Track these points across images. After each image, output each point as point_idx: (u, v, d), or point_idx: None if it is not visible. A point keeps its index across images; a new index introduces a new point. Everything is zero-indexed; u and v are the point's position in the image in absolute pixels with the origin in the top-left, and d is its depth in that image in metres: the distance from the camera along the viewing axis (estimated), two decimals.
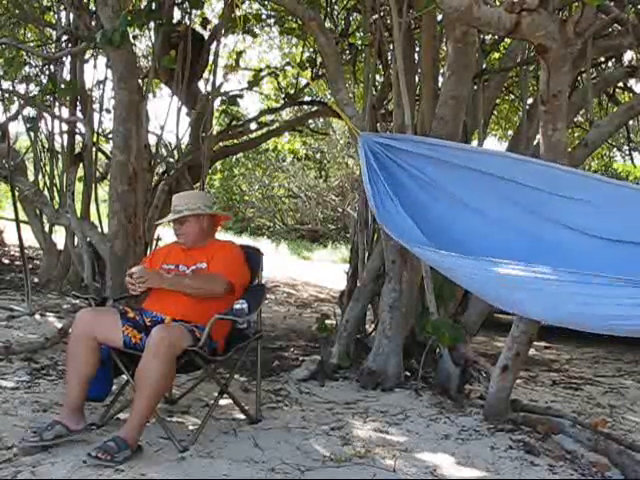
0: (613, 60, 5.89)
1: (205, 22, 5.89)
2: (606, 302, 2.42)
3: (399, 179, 3.43)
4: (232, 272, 3.14)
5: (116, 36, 4.15)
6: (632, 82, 6.40)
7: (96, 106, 6.06)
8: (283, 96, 7.25)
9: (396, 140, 3.58)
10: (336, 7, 6.52)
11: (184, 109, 5.90)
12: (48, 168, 6.50)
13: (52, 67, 5.93)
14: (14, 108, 5.97)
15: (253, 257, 3.39)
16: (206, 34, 6.15)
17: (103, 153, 6.45)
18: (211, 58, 5.96)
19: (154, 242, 5.27)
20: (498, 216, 3.24)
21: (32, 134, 6.31)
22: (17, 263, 7.40)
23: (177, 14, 5.96)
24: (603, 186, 3.02)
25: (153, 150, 5.60)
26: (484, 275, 2.78)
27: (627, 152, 8.57)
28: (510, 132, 8.55)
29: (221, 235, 3.85)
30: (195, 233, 3.24)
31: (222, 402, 3.29)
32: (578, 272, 2.46)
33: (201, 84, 6.25)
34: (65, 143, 6.15)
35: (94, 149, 5.87)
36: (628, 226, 2.92)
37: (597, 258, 2.93)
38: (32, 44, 6.95)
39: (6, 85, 5.84)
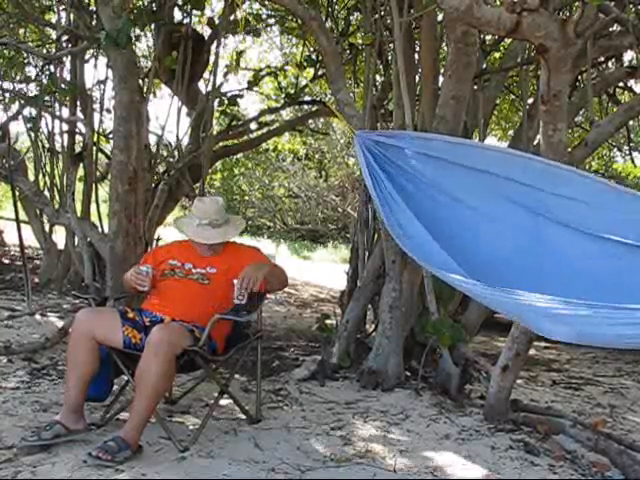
0: (613, 60, 5.89)
1: (210, 22, 5.88)
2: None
3: (398, 180, 3.42)
4: None
5: (122, 37, 4.14)
6: (632, 82, 6.41)
7: (96, 106, 6.06)
8: (283, 96, 7.24)
9: (392, 137, 3.57)
10: (336, 7, 6.52)
11: (184, 109, 5.90)
12: (48, 168, 6.49)
13: (52, 67, 5.92)
14: (14, 108, 5.96)
15: None
16: (206, 34, 6.15)
17: (103, 153, 6.43)
18: (211, 58, 5.96)
19: (154, 242, 5.28)
20: (497, 215, 3.24)
21: (32, 134, 6.29)
22: (17, 263, 7.40)
23: (177, 14, 5.97)
24: (598, 186, 3.01)
25: (153, 150, 5.60)
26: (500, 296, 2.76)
27: (627, 152, 8.58)
28: (510, 132, 8.55)
29: None
30: (218, 249, 3.27)
31: (222, 402, 3.29)
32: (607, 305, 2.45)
33: (201, 84, 6.26)
34: (65, 143, 6.15)
35: (94, 149, 5.86)
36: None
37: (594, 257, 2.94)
38: (32, 44, 6.94)
39: (6, 85, 5.83)
